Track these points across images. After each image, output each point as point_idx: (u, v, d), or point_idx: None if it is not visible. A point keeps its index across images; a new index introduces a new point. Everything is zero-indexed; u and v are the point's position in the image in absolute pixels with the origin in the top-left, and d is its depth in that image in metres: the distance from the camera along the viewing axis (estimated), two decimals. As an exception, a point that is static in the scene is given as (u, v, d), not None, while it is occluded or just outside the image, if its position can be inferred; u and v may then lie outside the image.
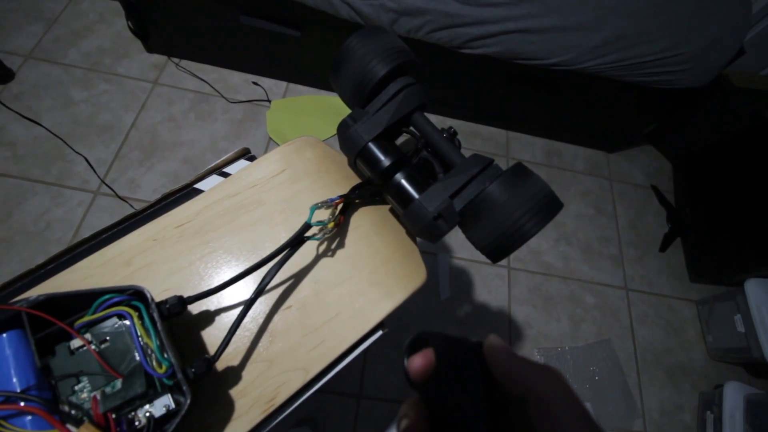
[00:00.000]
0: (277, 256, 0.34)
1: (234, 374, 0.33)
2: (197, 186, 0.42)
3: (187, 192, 0.42)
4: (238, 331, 0.32)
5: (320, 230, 0.37)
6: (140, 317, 0.28)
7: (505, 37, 1.05)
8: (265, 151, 1.05)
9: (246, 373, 0.34)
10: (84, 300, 0.28)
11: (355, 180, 0.44)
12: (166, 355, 0.27)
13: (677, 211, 1.43)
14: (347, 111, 0.41)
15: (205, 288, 0.32)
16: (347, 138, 0.39)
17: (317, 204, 0.36)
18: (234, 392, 0.33)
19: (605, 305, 1.26)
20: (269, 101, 1.34)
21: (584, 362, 1.16)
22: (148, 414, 0.27)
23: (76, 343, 0.27)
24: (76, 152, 1.13)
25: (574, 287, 1.26)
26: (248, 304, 0.32)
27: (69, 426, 0.24)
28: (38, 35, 1.30)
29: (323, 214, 0.37)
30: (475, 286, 1.21)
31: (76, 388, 0.26)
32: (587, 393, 1.12)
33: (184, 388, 0.26)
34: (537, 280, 1.25)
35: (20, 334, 0.27)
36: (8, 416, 0.24)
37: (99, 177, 1.12)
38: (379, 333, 0.38)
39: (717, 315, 1.21)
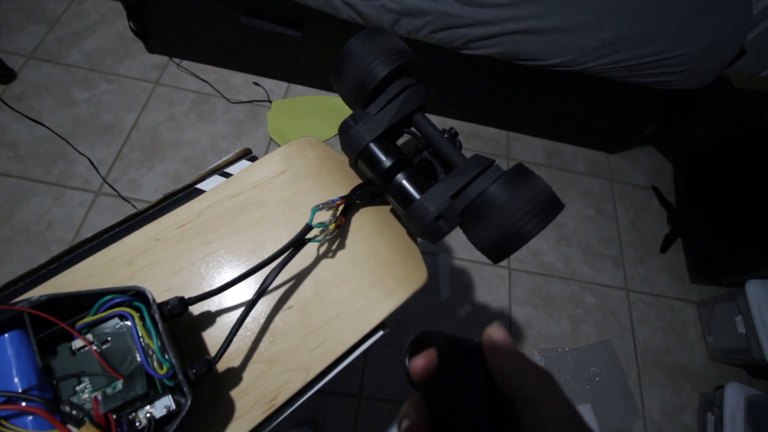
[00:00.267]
0: (278, 258, 0.34)
1: (235, 374, 0.34)
2: (199, 186, 0.42)
3: (188, 192, 0.42)
4: (239, 331, 0.32)
5: (321, 232, 0.37)
6: (141, 318, 0.28)
7: (505, 37, 1.05)
8: (266, 152, 1.05)
9: (247, 373, 0.34)
10: (85, 300, 0.28)
11: (356, 180, 0.44)
12: (167, 356, 0.27)
13: (678, 211, 1.43)
14: (348, 111, 0.41)
15: (207, 288, 0.32)
16: (348, 138, 0.39)
17: (318, 205, 0.36)
18: (235, 392, 0.33)
19: (606, 306, 1.25)
20: (270, 102, 1.34)
21: (585, 363, 1.16)
22: (148, 415, 0.27)
23: (77, 343, 0.27)
24: (80, 153, 1.14)
25: (574, 288, 1.26)
26: (249, 306, 0.32)
27: (70, 426, 0.24)
28: (40, 36, 1.30)
29: (324, 216, 0.37)
30: (475, 286, 1.21)
31: (78, 388, 0.26)
32: (587, 394, 1.12)
33: (185, 389, 0.26)
34: (537, 280, 1.25)
35: (22, 334, 0.27)
36: (9, 416, 0.24)
37: (102, 177, 1.12)
38: (380, 333, 0.38)
39: (717, 316, 1.21)
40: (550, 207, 0.34)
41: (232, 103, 1.31)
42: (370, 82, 0.39)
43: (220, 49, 1.30)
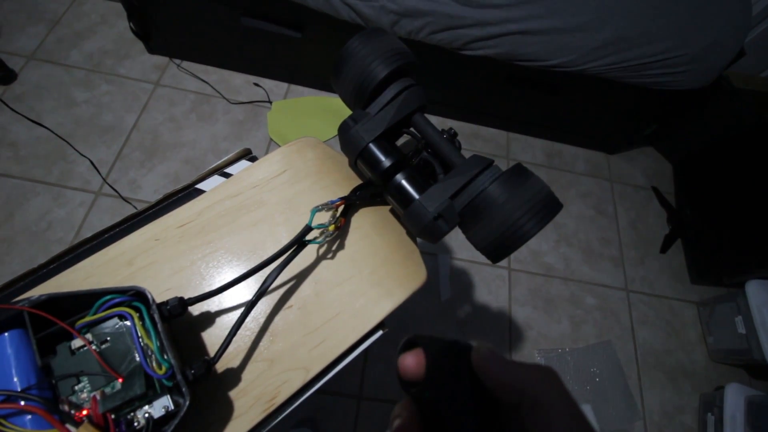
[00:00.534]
0: (277, 259, 0.34)
1: (235, 373, 0.34)
2: (199, 186, 0.42)
3: (188, 192, 0.42)
4: (239, 331, 0.32)
5: (321, 233, 0.37)
6: (141, 318, 0.28)
7: (505, 38, 1.05)
8: (266, 153, 1.05)
9: (247, 373, 0.34)
10: (85, 300, 0.28)
11: (356, 181, 0.44)
12: (166, 357, 0.27)
13: (678, 212, 1.43)
14: (348, 112, 0.41)
15: (207, 288, 0.32)
16: (348, 139, 0.39)
17: (318, 206, 0.36)
18: (235, 391, 0.33)
19: (606, 306, 1.25)
20: (270, 102, 1.34)
21: (585, 364, 1.16)
22: (147, 415, 0.27)
23: (77, 343, 0.27)
24: (81, 154, 1.14)
25: (574, 288, 1.26)
26: (249, 307, 0.32)
27: (68, 426, 0.24)
28: (40, 36, 1.30)
29: (324, 217, 0.37)
30: (475, 287, 1.21)
31: (76, 388, 0.26)
32: (588, 394, 1.12)
33: (184, 389, 0.26)
34: (537, 281, 1.25)
35: (22, 333, 0.27)
36: (8, 415, 0.24)
37: (102, 178, 1.12)
38: (380, 333, 0.38)
39: (718, 316, 1.21)
40: (548, 207, 0.34)
41: (233, 103, 1.32)
42: (369, 82, 0.39)
43: (220, 49, 1.31)
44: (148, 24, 1.23)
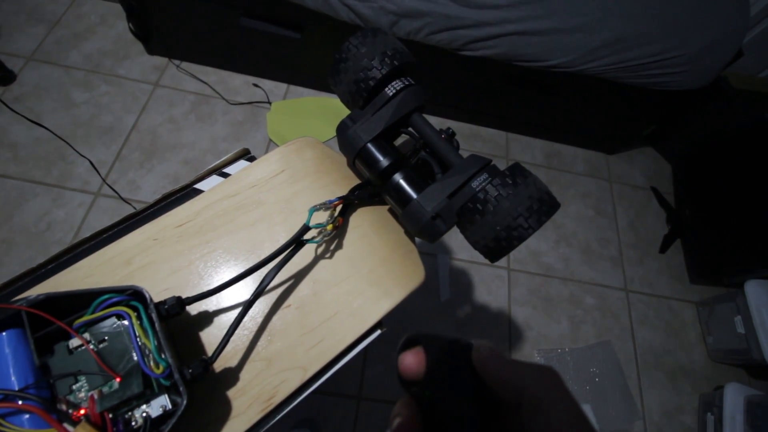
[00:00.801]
0: (275, 258, 0.34)
1: (233, 373, 0.34)
2: (197, 186, 0.42)
3: (187, 192, 0.42)
4: (236, 330, 0.32)
5: (319, 233, 0.37)
6: (139, 317, 0.28)
7: (504, 39, 1.05)
8: (265, 154, 1.05)
9: (245, 372, 0.34)
10: (83, 300, 0.28)
11: (354, 180, 0.44)
12: (163, 356, 0.27)
13: (677, 212, 1.43)
14: (347, 112, 0.41)
15: (205, 287, 0.32)
16: (346, 138, 0.39)
17: (316, 206, 0.36)
18: (233, 391, 0.33)
19: (605, 306, 1.25)
20: (269, 103, 1.34)
21: (584, 363, 1.15)
22: (144, 414, 0.27)
23: (74, 342, 0.27)
24: (80, 154, 1.14)
25: (573, 288, 1.26)
26: (247, 306, 0.32)
27: (66, 425, 0.24)
28: (40, 37, 1.30)
29: (322, 216, 0.37)
30: (475, 287, 1.21)
31: (74, 387, 0.26)
32: (587, 394, 1.12)
33: (181, 389, 0.26)
34: (537, 281, 1.25)
35: (19, 333, 0.27)
36: (6, 414, 0.24)
37: (102, 178, 1.12)
38: (378, 332, 0.38)
39: (717, 316, 1.21)
40: (546, 206, 0.34)
41: (232, 104, 1.32)
42: (367, 82, 0.39)
43: (219, 50, 1.31)
44: (148, 25, 1.23)
